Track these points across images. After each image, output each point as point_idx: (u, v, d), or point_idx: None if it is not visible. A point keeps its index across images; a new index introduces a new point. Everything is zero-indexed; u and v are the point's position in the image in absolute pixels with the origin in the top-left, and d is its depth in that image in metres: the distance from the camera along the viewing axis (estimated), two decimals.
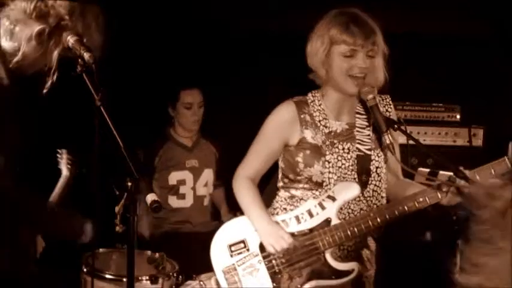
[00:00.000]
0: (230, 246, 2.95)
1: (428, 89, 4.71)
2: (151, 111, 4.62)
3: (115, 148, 2.42)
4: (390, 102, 3.03)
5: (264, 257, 2.91)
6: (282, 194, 3.03)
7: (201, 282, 3.60)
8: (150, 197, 2.46)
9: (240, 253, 2.93)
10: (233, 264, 2.93)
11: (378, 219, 2.85)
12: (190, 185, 4.43)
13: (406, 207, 2.84)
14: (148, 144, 4.41)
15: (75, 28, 2.38)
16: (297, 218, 2.92)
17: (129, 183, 2.49)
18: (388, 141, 2.82)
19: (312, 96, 2.98)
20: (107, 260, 3.86)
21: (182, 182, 4.41)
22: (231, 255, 2.94)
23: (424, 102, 4.61)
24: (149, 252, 3.71)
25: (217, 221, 4.50)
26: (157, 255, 3.73)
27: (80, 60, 2.33)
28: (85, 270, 3.73)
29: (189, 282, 3.71)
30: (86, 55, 2.31)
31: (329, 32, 2.85)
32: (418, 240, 4.25)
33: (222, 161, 4.54)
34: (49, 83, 2.38)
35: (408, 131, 2.85)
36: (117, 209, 3.69)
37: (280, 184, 3.05)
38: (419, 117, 4.60)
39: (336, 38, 2.83)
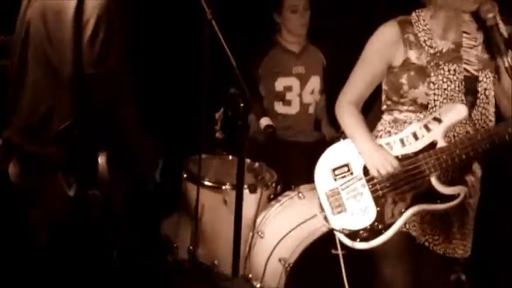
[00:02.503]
0: (334, 170, 2.92)
1: None
2: (256, 19, 4.51)
3: (226, 64, 2.37)
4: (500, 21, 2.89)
5: (367, 181, 2.88)
6: (386, 117, 2.97)
7: (300, 194, 3.60)
8: (264, 121, 2.43)
9: (344, 177, 2.91)
10: (337, 188, 2.91)
11: (486, 143, 2.76)
12: (296, 91, 4.35)
13: None
14: (253, 50, 4.34)
15: None
16: (402, 141, 2.86)
17: (242, 104, 2.45)
18: (506, 64, 2.71)
19: (417, 15, 2.88)
20: (207, 166, 3.82)
21: (289, 89, 4.33)
22: (335, 179, 2.92)
23: None
24: (248, 161, 3.63)
25: (319, 131, 4.48)
26: (256, 164, 3.70)
27: None
28: (185, 176, 3.73)
29: (287, 192, 3.70)
30: None
31: None
32: None
33: (329, 69, 4.45)
34: None
35: None
36: (217, 115, 3.70)
37: (383, 107, 2.98)
38: None
39: None
